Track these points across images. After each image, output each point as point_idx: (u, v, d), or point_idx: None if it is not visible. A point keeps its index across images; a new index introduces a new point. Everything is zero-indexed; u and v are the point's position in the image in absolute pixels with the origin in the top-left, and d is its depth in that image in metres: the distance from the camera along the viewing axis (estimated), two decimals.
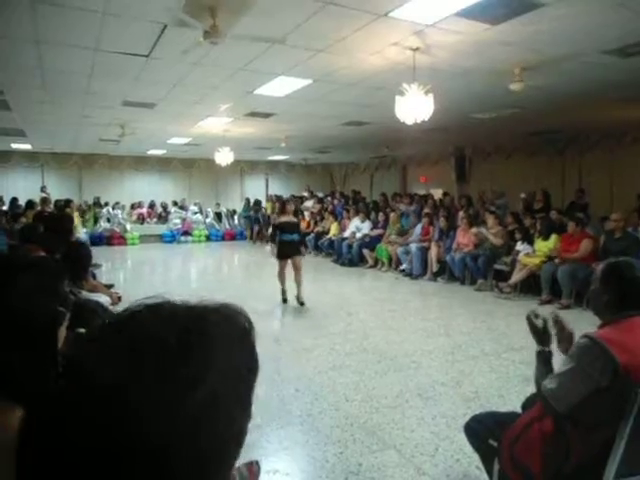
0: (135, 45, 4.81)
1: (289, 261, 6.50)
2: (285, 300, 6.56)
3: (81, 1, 3.77)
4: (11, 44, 4.76)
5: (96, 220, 14.42)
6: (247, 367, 0.50)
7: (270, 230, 13.91)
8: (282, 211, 6.77)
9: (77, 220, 11.64)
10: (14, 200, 12.24)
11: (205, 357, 0.44)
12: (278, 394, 3.56)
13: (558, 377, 1.71)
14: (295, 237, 6.56)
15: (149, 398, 0.40)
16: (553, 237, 7.01)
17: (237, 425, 0.46)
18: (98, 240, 13.74)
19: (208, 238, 15.44)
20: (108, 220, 14.37)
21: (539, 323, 1.93)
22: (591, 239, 6.66)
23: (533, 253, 7.15)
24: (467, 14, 3.97)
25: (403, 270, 9.01)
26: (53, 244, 2.91)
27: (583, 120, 8.73)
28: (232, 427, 0.45)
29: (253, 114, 8.35)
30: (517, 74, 5.42)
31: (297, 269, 6.44)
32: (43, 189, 13.46)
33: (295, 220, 6.96)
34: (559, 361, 1.81)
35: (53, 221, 4.13)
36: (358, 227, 10.69)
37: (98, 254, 10.16)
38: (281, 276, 6.56)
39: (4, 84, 6.36)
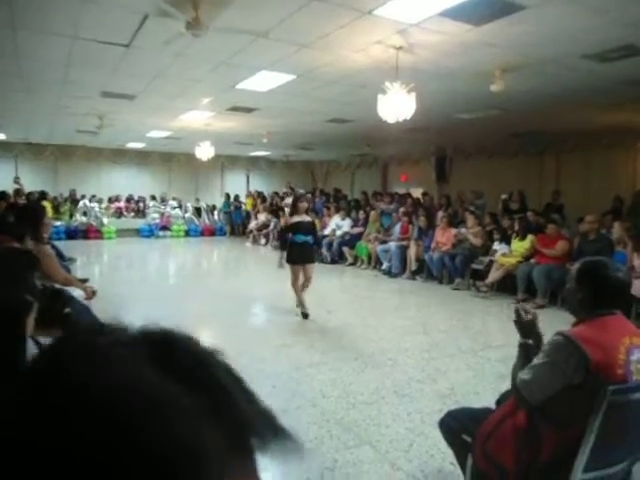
0: (115, 34, 4.71)
1: (301, 268, 5.60)
2: (306, 315, 5.61)
3: None
4: None
5: (72, 213, 14.12)
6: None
7: (250, 225, 14.08)
8: (294, 210, 5.69)
9: (50, 212, 11.40)
10: None
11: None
12: (255, 390, 3.53)
13: (532, 370, 1.74)
14: (309, 239, 5.60)
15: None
16: (529, 237, 7.14)
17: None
18: (74, 234, 13.47)
19: (187, 233, 15.27)
20: (84, 213, 14.08)
21: (527, 317, 1.96)
22: (566, 240, 6.81)
23: (510, 253, 7.27)
24: (450, 14, 4.00)
25: (383, 269, 9.07)
26: (24, 234, 2.83)
27: (562, 123, 8.90)
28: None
29: (235, 109, 8.28)
30: (497, 75, 5.49)
31: (307, 278, 5.64)
32: (16, 180, 13.12)
33: (309, 219, 5.88)
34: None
35: (25, 211, 4.03)
36: (338, 225, 10.71)
37: (73, 248, 10.00)
38: (296, 285, 5.64)
39: None
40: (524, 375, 1.76)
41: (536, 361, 1.77)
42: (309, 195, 14.40)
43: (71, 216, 14.05)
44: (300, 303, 5.68)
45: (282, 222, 12.41)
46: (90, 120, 9.44)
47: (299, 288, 5.64)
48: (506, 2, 3.75)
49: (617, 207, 8.33)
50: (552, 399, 1.69)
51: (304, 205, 5.77)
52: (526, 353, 1.91)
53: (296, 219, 5.62)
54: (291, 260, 5.56)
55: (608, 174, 9.68)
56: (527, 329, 1.96)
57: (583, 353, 1.62)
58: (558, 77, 5.81)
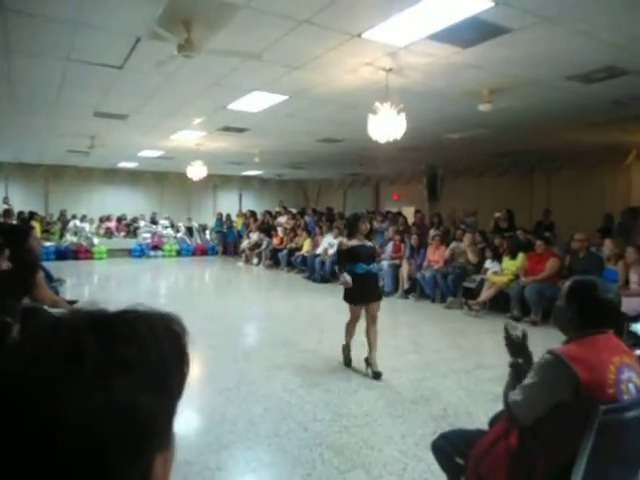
0: (108, 56, 4.75)
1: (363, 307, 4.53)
2: (349, 362, 4.60)
3: (53, 11, 3.71)
4: None
5: (62, 234, 14.02)
6: (175, 365, 0.54)
7: (242, 245, 14.02)
8: (353, 231, 4.60)
9: (39, 232, 11.32)
10: None
11: (124, 351, 0.48)
12: (246, 414, 3.48)
13: (522, 389, 1.73)
14: (372, 268, 4.53)
15: (63, 394, 0.44)
16: (520, 256, 7.18)
17: (157, 418, 0.50)
18: (64, 254, 13.34)
19: (179, 253, 15.20)
20: (75, 234, 13.98)
21: (516, 334, 1.95)
22: (556, 258, 6.85)
23: (501, 271, 7.29)
24: (438, 38, 4.08)
25: None
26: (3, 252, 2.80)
27: (551, 141, 9.05)
28: (154, 420, 0.49)
29: (227, 128, 8.33)
30: (486, 96, 5.59)
31: (372, 319, 4.48)
32: (5, 200, 13.05)
33: (370, 244, 4.66)
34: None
35: (10, 232, 3.97)
36: (331, 243, 10.70)
37: (63, 269, 9.90)
38: (351, 328, 4.57)
39: None
40: (515, 396, 1.75)
41: (526, 381, 1.75)
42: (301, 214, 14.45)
43: (61, 236, 13.94)
44: (347, 348, 4.60)
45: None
46: (82, 140, 9.45)
47: (354, 331, 4.55)
48: (492, 25, 3.83)
49: (607, 225, 8.41)
50: (543, 419, 1.67)
51: (366, 226, 4.63)
52: (517, 373, 1.90)
53: (355, 243, 4.53)
54: (351, 298, 4.48)
55: (598, 192, 9.81)
56: (517, 347, 1.94)
57: (572, 372, 1.61)
58: (545, 97, 5.93)
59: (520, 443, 1.75)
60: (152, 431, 0.49)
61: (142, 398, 0.47)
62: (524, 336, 1.95)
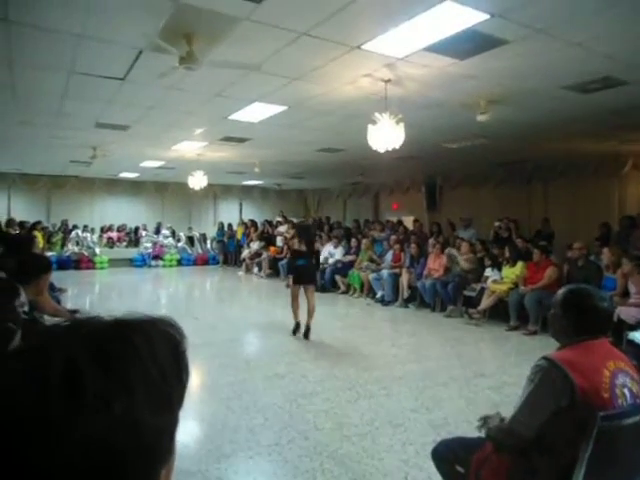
0: (111, 68, 4.82)
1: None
2: (295, 332, 6.24)
3: (57, 24, 3.77)
4: None
5: (63, 244, 14.05)
6: (176, 376, 0.52)
7: (243, 254, 14.01)
8: (303, 237, 6.45)
9: (41, 242, 11.34)
10: None
11: (123, 371, 0.46)
12: (247, 423, 3.48)
13: (519, 405, 1.74)
14: (306, 262, 6.31)
15: (53, 419, 0.42)
16: (519, 264, 7.19)
17: (162, 434, 0.48)
18: (65, 264, 13.36)
19: (179, 262, 15.22)
20: (77, 243, 14.02)
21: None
22: (555, 267, 6.86)
23: (501, 280, 7.30)
24: (435, 49, 4.14)
25: (375, 297, 9.05)
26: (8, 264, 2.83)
27: (548, 151, 9.09)
28: (159, 437, 0.47)
29: (228, 139, 8.39)
30: (483, 106, 5.64)
31: (310, 295, 6.25)
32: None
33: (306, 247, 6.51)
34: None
35: (13, 242, 4.01)
36: (331, 253, 10.73)
37: (64, 279, 9.91)
38: (295, 305, 6.27)
39: None
40: (514, 414, 1.75)
41: (523, 393, 1.76)
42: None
43: (63, 246, 13.98)
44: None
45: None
46: (84, 151, 9.52)
47: (298, 309, 6.27)
48: (488, 37, 3.88)
49: (604, 233, 8.43)
50: (543, 426, 1.68)
51: (313, 234, 6.82)
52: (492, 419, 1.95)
53: (302, 245, 6.33)
54: (292, 280, 6.31)
55: (594, 201, 9.83)
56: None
57: (568, 376, 1.62)
58: (541, 107, 5.98)
59: (520, 451, 1.76)
60: (159, 450, 0.48)
61: (145, 418, 0.46)
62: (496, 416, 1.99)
